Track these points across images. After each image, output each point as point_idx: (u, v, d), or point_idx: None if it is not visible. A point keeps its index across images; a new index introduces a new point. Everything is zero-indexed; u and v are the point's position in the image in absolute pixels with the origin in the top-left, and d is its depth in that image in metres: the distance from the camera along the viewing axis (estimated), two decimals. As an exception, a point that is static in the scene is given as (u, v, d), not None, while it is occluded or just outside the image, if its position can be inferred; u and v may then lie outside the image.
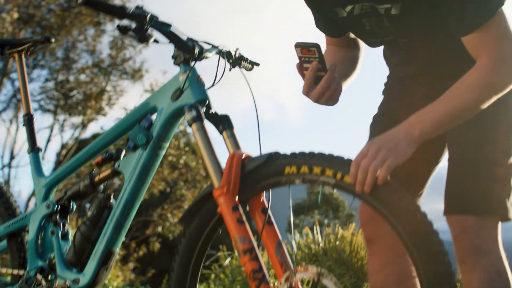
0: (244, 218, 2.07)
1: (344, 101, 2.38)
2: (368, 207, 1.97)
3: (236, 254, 6.80)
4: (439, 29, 2.16)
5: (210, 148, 2.18)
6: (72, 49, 14.17)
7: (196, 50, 2.32)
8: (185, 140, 16.69)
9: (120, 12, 2.19)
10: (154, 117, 2.39)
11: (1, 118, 16.50)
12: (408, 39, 2.29)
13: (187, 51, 2.31)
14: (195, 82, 2.29)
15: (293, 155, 2.09)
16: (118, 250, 2.46)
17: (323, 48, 2.27)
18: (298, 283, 2.06)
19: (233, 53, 2.47)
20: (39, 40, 2.82)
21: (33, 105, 14.91)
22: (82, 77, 14.18)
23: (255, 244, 2.05)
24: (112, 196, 2.49)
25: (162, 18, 2.26)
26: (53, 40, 2.89)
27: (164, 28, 2.26)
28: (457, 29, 2.03)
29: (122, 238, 2.45)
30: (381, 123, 2.45)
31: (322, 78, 2.16)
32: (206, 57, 2.39)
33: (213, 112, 2.28)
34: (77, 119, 14.65)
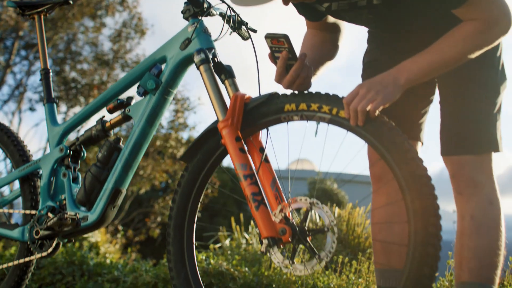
0: (245, 147, 2.26)
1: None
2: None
3: (236, 235, 6.98)
4: (422, 16, 2.34)
5: (216, 87, 2.36)
6: (73, 41, 14.33)
7: (205, 5, 2.51)
8: (187, 135, 16.90)
9: None
10: (163, 66, 2.57)
11: (3, 111, 16.61)
12: (390, 29, 2.49)
13: (196, 5, 2.50)
14: (203, 32, 2.47)
15: (293, 94, 2.29)
16: (125, 191, 2.62)
17: (292, 38, 2.42)
18: (290, 214, 2.25)
19: (236, 17, 2.65)
20: (58, 2, 2.99)
21: (34, 97, 15.06)
22: (85, 66, 14.30)
23: (255, 170, 2.23)
24: (121, 140, 2.66)
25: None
26: (71, 1, 3.06)
27: None
28: (449, 2, 2.18)
29: (130, 179, 2.62)
30: (372, 70, 2.62)
31: (292, 66, 2.33)
32: (213, 14, 2.59)
33: (218, 61, 2.46)
34: (79, 110, 14.74)
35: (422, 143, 2.64)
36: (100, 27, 14.56)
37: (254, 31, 2.72)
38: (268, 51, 2.35)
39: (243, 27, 2.68)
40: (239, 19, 2.66)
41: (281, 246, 2.23)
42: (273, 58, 2.35)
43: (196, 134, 16.10)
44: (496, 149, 2.39)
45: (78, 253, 5.45)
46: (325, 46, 2.63)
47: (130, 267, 5.30)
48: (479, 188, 2.34)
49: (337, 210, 6.75)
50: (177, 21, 2.61)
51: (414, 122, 2.61)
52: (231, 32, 2.65)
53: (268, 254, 2.23)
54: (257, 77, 2.45)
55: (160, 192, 17.79)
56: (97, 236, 8.33)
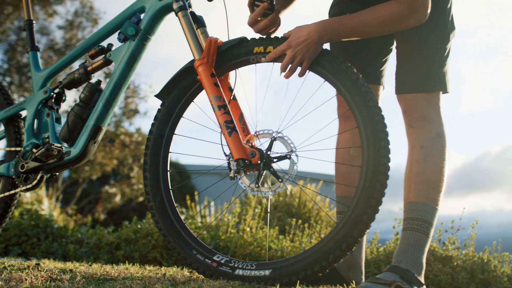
0: (219, 83, 2.56)
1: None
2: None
3: (191, 212, 7.23)
4: None
5: (193, 31, 2.65)
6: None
7: None
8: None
9: None
10: (142, 15, 2.84)
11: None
12: None
13: None
14: None
15: (261, 38, 2.61)
16: (105, 128, 2.89)
17: None
18: (255, 144, 2.59)
19: None
20: None
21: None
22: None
23: (227, 101, 2.54)
24: (101, 82, 2.92)
25: None
26: None
27: None
28: None
29: (110, 117, 2.89)
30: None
31: (268, 15, 2.65)
32: None
33: (191, 11, 2.74)
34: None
35: (383, 87, 2.97)
36: (52, 14, 14.57)
37: None
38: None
39: None
40: None
41: (249, 172, 2.53)
42: (253, 5, 2.64)
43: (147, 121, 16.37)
44: (445, 90, 2.74)
45: (42, 217, 5.64)
46: None
47: (92, 231, 5.52)
48: (429, 122, 2.69)
49: (289, 187, 7.10)
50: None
51: (376, 69, 2.93)
52: None
53: (236, 178, 2.53)
54: (226, 24, 2.74)
55: (112, 178, 17.87)
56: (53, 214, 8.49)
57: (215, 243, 4.99)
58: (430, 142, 2.68)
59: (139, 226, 5.09)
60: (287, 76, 2.53)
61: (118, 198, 15.28)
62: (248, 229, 5.08)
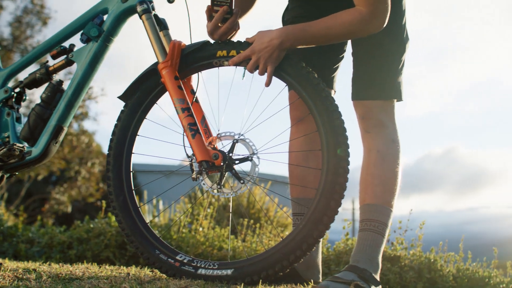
0: (182, 86, 2.61)
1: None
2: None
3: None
4: None
5: (157, 34, 2.69)
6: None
7: None
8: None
9: None
10: (105, 17, 2.87)
11: None
12: None
13: None
14: None
15: (224, 42, 2.66)
16: (66, 129, 2.90)
17: None
18: (217, 146, 2.66)
19: None
20: None
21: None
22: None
23: (190, 104, 2.59)
24: (63, 82, 2.94)
25: None
26: None
27: None
28: None
29: (71, 117, 2.90)
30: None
31: (228, 20, 2.70)
32: None
33: (155, 14, 2.78)
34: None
35: (335, 91, 3.05)
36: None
37: None
38: (209, 4, 2.69)
39: None
40: None
41: (211, 173, 2.59)
42: (212, 11, 2.69)
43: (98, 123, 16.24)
44: (400, 98, 2.86)
45: (-9, 216, 5.58)
46: (248, 1, 3.01)
47: (44, 230, 5.48)
48: (384, 128, 2.80)
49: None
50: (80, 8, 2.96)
51: (328, 76, 3.00)
52: None
53: (198, 180, 2.59)
54: (189, 27, 2.79)
55: (54, 177, 17.64)
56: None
57: (167, 242, 5.02)
58: (386, 147, 2.79)
59: (91, 226, 5.08)
60: (266, 84, 2.59)
61: (69, 208, 15.12)
62: (200, 229, 5.13)
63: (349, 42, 2.97)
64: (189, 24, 2.79)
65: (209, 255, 4.93)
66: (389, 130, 2.82)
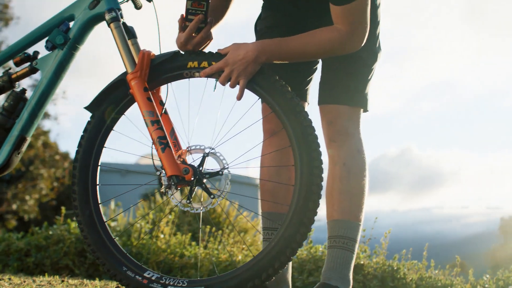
0: (152, 97, 2.53)
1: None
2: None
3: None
4: None
5: (125, 43, 2.61)
6: None
7: None
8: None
9: None
10: (71, 24, 2.78)
11: None
12: None
13: None
14: None
15: (195, 53, 2.60)
16: (29, 139, 2.80)
17: None
18: (186, 159, 2.59)
19: None
20: None
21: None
22: None
23: (159, 116, 2.52)
24: (26, 91, 2.84)
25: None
26: None
27: None
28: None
29: (34, 127, 2.80)
30: (269, 35, 2.92)
31: (202, 29, 2.63)
32: None
33: (123, 22, 2.70)
34: None
35: (308, 103, 3.00)
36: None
37: (149, 0, 2.93)
38: (183, 13, 2.61)
39: None
40: None
41: (180, 187, 2.53)
42: (185, 20, 2.60)
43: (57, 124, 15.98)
44: (366, 108, 2.83)
45: None
46: (219, 10, 2.92)
47: (0, 237, 5.34)
48: (350, 137, 2.76)
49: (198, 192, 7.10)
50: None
51: (302, 89, 2.95)
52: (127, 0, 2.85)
53: (168, 194, 2.52)
54: (158, 37, 2.72)
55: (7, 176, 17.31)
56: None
57: (127, 249, 4.94)
58: (351, 159, 2.76)
59: (50, 232, 4.96)
60: (238, 98, 2.53)
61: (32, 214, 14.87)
62: (161, 235, 5.06)
63: None
64: (158, 33, 2.73)
65: (170, 262, 4.87)
66: (355, 139, 2.78)
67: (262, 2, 3.01)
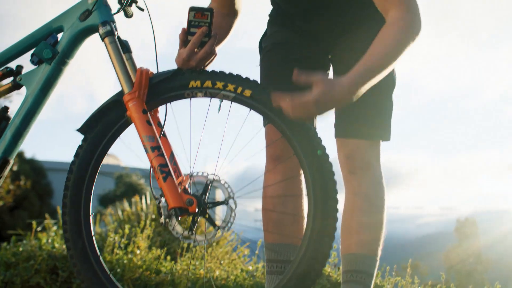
0: (151, 120, 2.32)
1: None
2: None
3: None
4: None
5: (121, 60, 2.39)
6: None
7: None
8: None
9: None
10: (59, 36, 2.55)
11: None
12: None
13: None
14: (103, 5, 2.49)
15: (198, 71, 2.38)
16: (13, 161, 2.56)
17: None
18: (188, 188, 2.37)
19: None
20: None
21: None
22: None
23: (160, 142, 2.31)
24: (9, 109, 2.60)
25: None
26: None
27: None
28: None
29: (18, 149, 2.57)
30: (278, 51, 2.75)
31: (206, 43, 2.39)
32: None
33: (117, 35, 2.49)
34: None
35: (316, 128, 2.80)
36: None
37: (142, 9, 2.73)
38: (184, 26, 2.39)
39: (133, 4, 2.70)
40: None
41: (181, 218, 2.33)
42: (188, 34, 2.38)
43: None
44: (388, 138, 2.64)
45: None
46: (222, 30, 2.70)
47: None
48: (371, 169, 2.58)
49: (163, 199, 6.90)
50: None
51: None
52: (118, 9, 2.62)
53: (169, 226, 2.33)
54: (155, 53, 2.52)
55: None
56: None
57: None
58: (373, 190, 2.59)
59: (20, 249, 4.69)
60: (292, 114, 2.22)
61: None
62: (138, 251, 4.83)
63: (331, 71, 2.75)
64: (155, 47, 2.52)
65: (146, 279, 4.65)
66: (376, 171, 2.61)
67: (268, 18, 2.83)
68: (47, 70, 2.50)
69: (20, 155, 22.00)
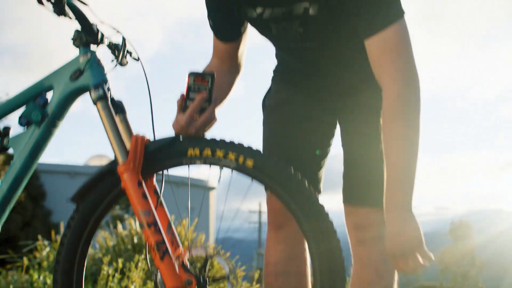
0: (147, 193, 2.18)
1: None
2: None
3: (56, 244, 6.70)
4: (350, 34, 2.31)
5: (115, 127, 2.24)
6: None
7: (100, 35, 2.37)
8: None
9: None
10: (49, 95, 2.40)
11: None
12: (317, 44, 2.40)
13: (89, 34, 2.35)
14: (96, 64, 2.34)
15: (196, 139, 2.23)
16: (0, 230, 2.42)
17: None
18: (187, 261, 2.22)
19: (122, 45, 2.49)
20: None
21: None
22: None
23: (156, 216, 2.16)
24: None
25: None
26: None
27: (76, 8, 2.30)
28: (363, 30, 2.18)
29: (6, 216, 2.42)
30: (285, 108, 2.62)
31: (206, 109, 2.23)
32: (103, 43, 2.44)
33: (111, 96, 2.34)
34: None
35: (320, 192, 2.67)
36: None
37: (137, 59, 2.59)
38: (183, 92, 2.26)
39: (127, 55, 2.56)
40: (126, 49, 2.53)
41: None
42: (187, 99, 2.24)
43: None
44: None
45: None
46: (223, 89, 2.54)
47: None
48: (381, 239, 2.42)
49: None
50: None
51: (314, 175, 2.63)
52: (114, 65, 2.47)
53: None
54: (151, 118, 2.38)
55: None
56: None
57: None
58: (384, 263, 2.44)
59: (10, 287, 4.56)
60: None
61: None
62: (132, 287, 4.70)
63: (339, 129, 2.62)
64: (151, 112, 2.38)
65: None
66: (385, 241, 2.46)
67: (273, 74, 2.69)
68: (36, 134, 2.35)
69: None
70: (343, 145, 2.57)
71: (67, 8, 2.29)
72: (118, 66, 2.49)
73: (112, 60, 2.48)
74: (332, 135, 2.64)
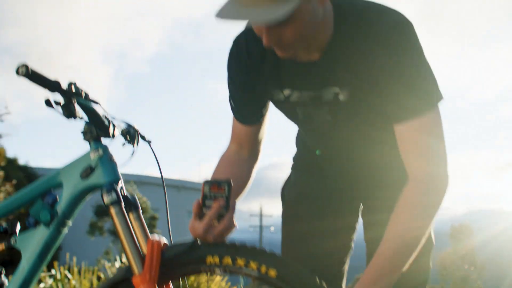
0: None
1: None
2: None
3: (59, 275, 6.60)
4: (379, 118, 2.14)
5: (129, 233, 2.10)
6: None
7: (111, 129, 2.25)
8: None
9: (53, 86, 2.08)
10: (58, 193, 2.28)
11: None
12: (345, 134, 2.27)
13: (100, 127, 2.22)
14: (108, 161, 2.20)
15: (215, 245, 2.09)
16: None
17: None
18: None
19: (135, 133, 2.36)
20: None
21: None
22: None
23: None
24: (2, 272, 2.33)
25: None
26: None
27: (88, 105, 2.18)
28: (397, 114, 2.01)
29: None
30: (303, 209, 2.49)
31: (224, 216, 2.08)
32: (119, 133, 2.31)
33: (124, 195, 2.21)
34: None
35: None
36: None
37: (149, 142, 2.43)
38: (198, 198, 2.11)
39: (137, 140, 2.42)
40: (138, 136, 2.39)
41: None
42: (203, 206, 2.09)
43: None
44: None
45: None
46: (245, 177, 2.40)
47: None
48: None
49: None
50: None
51: (337, 272, 2.49)
52: (131, 155, 2.33)
53: None
54: (167, 222, 2.26)
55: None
56: None
57: None
58: None
59: None
60: None
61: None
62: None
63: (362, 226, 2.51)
64: (167, 218, 2.26)
65: None
66: None
67: (292, 162, 2.57)
68: (45, 234, 2.22)
69: (13, 162, 21.58)
70: (365, 239, 2.45)
71: (77, 107, 2.17)
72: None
73: (124, 144, 2.34)
74: (354, 228, 2.52)
